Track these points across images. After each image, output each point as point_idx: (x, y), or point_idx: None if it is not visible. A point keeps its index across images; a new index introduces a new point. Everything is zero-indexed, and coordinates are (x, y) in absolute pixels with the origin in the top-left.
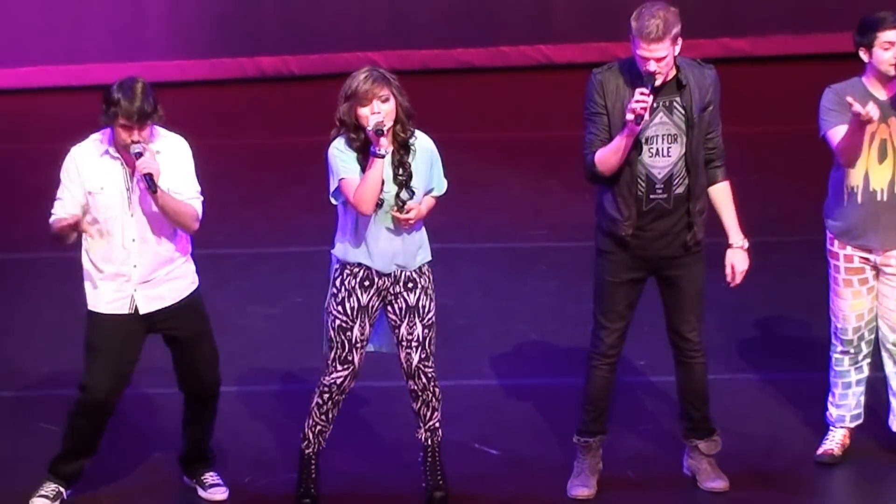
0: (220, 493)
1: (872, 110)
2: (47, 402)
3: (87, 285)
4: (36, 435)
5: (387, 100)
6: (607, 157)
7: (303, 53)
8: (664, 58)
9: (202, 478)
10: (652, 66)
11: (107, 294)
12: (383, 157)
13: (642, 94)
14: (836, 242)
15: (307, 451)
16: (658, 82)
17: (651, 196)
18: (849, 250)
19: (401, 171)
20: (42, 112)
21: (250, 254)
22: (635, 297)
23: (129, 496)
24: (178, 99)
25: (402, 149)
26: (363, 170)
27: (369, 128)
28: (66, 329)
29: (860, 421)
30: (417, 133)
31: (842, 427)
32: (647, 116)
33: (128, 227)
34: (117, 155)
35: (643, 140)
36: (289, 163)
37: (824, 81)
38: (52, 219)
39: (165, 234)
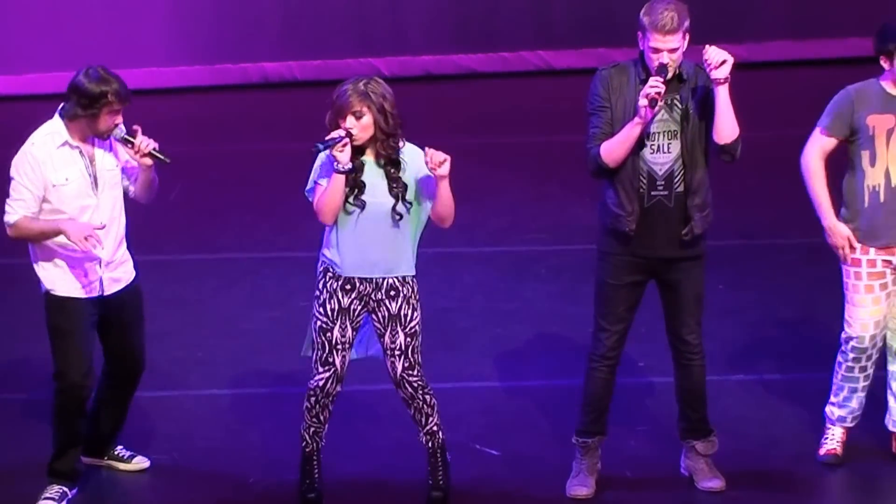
0: (145, 460)
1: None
2: (50, 405)
3: (49, 271)
4: (44, 437)
5: (361, 116)
6: (614, 147)
7: (306, 59)
8: (676, 49)
9: (115, 453)
10: (665, 58)
11: (78, 278)
12: (342, 173)
13: (656, 80)
14: (857, 248)
15: (307, 450)
16: (670, 75)
17: (652, 192)
18: (872, 254)
19: (394, 185)
20: (45, 118)
21: (254, 258)
22: (636, 300)
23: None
24: (181, 105)
25: (390, 164)
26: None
27: (326, 138)
28: None
29: (858, 420)
30: (408, 146)
31: (842, 426)
32: (660, 102)
33: (95, 213)
34: (76, 145)
35: (645, 136)
36: (292, 168)
37: (821, 86)
38: (27, 220)
39: (118, 215)
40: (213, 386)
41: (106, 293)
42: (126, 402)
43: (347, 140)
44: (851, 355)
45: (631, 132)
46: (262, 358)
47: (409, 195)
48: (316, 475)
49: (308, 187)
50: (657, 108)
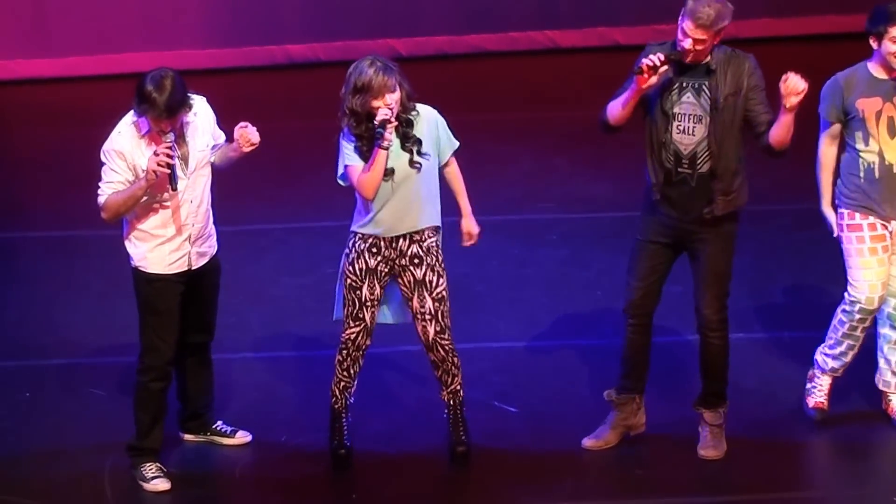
0: (247, 434)
1: None
2: (95, 369)
3: (140, 248)
4: (85, 398)
5: (395, 90)
6: (612, 104)
7: (328, 41)
8: (703, 42)
9: (217, 428)
10: (687, 44)
11: (168, 256)
12: (387, 148)
13: (657, 55)
14: (856, 215)
15: (335, 407)
16: (687, 59)
17: (679, 169)
18: (871, 219)
19: (407, 141)
20: (84, 98)
21: (283, 228)
22: (658, 262)
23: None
24: (211, 86)
25: (404, 123)
26: (362, 157)
27: (376, 122)
28: (111, 302)
29: (846, 368)
30: (418, 106)
31: (832, 375)
32: (656, 79)
33: (187, 192)
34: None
35: (672, 115)
36: (317, 143)
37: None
38: (114, 194)
39: (207, 189)
40: (246, 349)
41: (193, 267)
42: (208, 368)
43: (392, 118)
44: (858, 316)
45: (627, 95)
46: (291, 323)
47: (426, 147)
48: (345, 432)
49: (340, 172)
50: (653, 82)
